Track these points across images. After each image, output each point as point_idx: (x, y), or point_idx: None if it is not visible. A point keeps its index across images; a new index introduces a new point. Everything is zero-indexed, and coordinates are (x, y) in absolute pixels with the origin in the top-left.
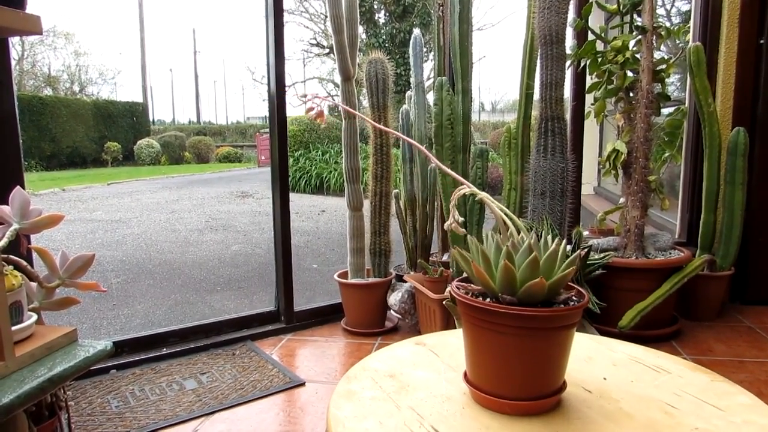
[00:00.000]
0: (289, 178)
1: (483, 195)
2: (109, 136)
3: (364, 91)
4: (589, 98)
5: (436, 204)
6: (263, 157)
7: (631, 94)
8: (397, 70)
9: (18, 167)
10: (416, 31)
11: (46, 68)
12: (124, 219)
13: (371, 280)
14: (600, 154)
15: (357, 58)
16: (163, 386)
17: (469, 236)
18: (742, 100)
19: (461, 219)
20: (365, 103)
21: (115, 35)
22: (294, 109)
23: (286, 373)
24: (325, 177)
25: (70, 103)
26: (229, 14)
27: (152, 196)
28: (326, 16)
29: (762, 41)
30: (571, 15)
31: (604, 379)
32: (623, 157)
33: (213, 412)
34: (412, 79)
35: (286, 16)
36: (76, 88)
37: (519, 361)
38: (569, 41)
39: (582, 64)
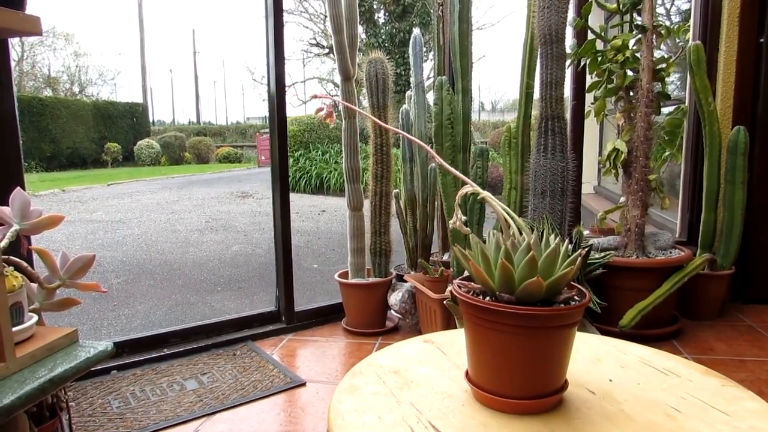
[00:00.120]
0: (289, 178)
1: (485, 194)
2: (109, 136)
3: (364, 90)
4: (589, 97)
5: (436, 203)
6: (263, 158)
7: (631, 93)
8: (396, 69)
9: (18, 168)
10: (416, 31)
11: (45, 69)
12: (125, 220)
13: (372, 280)
14: (600, 154)
15: (357, 57)
16: (164, 387)
17: (471, 235)
18: (742, 98)
19: (464, 218)
20: (365, 102)
21: (114, 36)
22: (294, 109)
23: (287, 374)
24: (326, 177)
25: (70, 103)
26: (229, 14)
27: (152, 196)
28: (326, 16)
29: (762, 40)
30: (570, 14)
31: (610, 380)
32: (623, 156)
33: (214, 413)
34: (411, 79)
35: (285, 16)
36: (76, 89)
37: (519, 360)
38: (569, 40)
39: (582, 63)
